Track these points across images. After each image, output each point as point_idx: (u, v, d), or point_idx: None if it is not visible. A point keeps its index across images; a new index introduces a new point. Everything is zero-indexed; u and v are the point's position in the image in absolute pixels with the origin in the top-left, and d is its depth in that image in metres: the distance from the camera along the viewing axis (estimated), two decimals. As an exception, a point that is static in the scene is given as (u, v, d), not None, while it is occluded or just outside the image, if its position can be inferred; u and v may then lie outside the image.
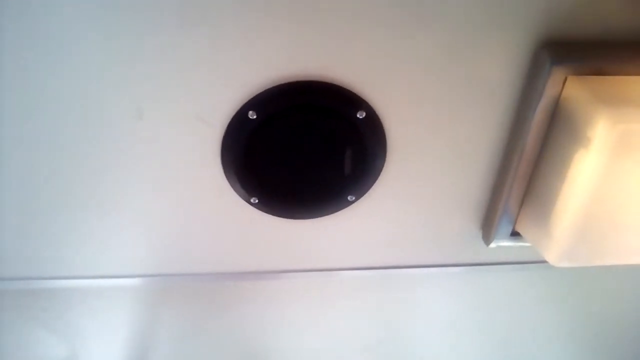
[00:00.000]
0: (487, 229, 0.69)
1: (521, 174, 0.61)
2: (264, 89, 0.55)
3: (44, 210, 0.64)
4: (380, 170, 0.63)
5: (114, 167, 0.60)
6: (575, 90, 0.53)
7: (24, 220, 0.65)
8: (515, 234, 0.68)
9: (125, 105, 0.55)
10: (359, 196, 0.65)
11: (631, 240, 0.58)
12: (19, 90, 0.53)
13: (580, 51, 0.53)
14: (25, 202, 0.63)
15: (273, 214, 0.66)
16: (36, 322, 0.83)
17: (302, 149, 0.60)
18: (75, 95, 0.54)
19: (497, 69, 0.56)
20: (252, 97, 0.55)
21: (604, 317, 0.96)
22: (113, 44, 0.51)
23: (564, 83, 0.54)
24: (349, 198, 0.65)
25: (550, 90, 0.54)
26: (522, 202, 0.64)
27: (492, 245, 0.69)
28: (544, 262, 0.60)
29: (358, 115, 0.57)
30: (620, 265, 0.61)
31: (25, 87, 0.53)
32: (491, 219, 0.68)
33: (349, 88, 0.56)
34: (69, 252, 0.69)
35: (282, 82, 0.55)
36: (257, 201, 0.64)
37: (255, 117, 0.56)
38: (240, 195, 0.64)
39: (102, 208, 0.64)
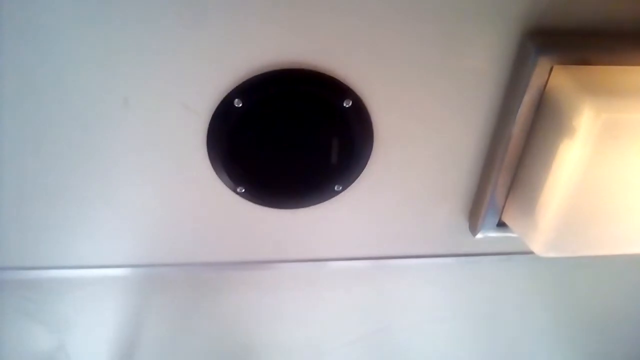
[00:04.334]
0: (474, 219, 0.69)
1: (507, 164, 0.61)
2: (249, 77, 0.55)
3: (29, 201, 0.63)
4: (367, 160, 0.63)
5: (100, 156, 0.60)
6: (561, 79, 0.53)
7: (10, 211, 0.64)
8: (502, 225, 0.68)
9: (110, 94, 0.55)
10: (346, 186, 0.65)
11: (617, 230, 0.59)
12: (5, 80, 0.53)
13: (566, 41, 0.53)
14: (9, 193, 0.62)
15: (260, 204, 0.66)
16: (22, 313, 0.82)
17: (288, 137, 0.60)
18: (60, 84, 0.54)
19: (483, 58, 0.56)
20: (237, 84, 0.55)
21: (590, 307, 0.97)
22: (97, 31, 0.50)
23: (549, 73, 0.54)
24: (335, 188, 0.65)
25: (536, 80, 0.54)
26: (509, 192, 0.64)
27: (479, 235, 0.69)
28: (531, 252, 0.61)
29: (344, 104, 0.57)
30: (606, 256, 0.61)
31: (9, 76, 0.52)
32: (478, 209, 0.68)
33: (335, 76, 0.56)
34: (54, 242, 0.68)
35: (268, 69, 0.54)
36: (243, 190, 0.64)
37: (240, 105, 0.56)
38: (226, 185, 0.63)
39: (88, 198, 0.64)
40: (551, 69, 0.54)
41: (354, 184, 0.65)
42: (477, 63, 0.56)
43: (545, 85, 0.55)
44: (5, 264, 0.71)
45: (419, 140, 0.62)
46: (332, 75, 0.55)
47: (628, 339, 1.06)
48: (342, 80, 0.56)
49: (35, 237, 0.68)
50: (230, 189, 0.64)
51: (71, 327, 0.86)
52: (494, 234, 0.69)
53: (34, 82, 0.53)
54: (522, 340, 1.03)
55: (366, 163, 0.63)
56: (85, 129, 0.57)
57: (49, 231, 0.67)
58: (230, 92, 0.55)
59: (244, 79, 0.55)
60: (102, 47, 0.51)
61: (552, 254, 0.59)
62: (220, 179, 0.63)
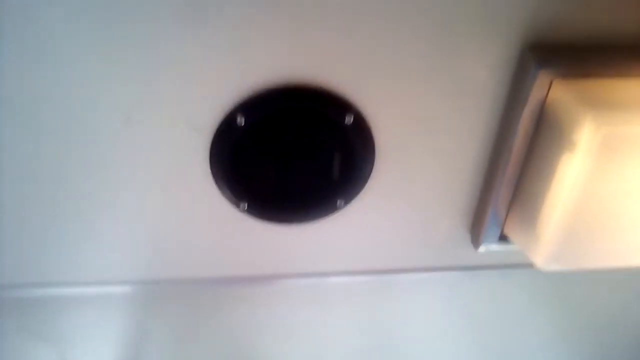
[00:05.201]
0: (476, 233, 0.69)
1: (508, 177, 0.61)
2: (252, 94, 0.55)
3: (29, 217, 0.63)
4: (369, 175, 0.63)
5: (102, 173, 0.60)
6: (561, 93, 0.53)
7: (9, 227, 0.64)
8: (504, 238, 0.68)
9: (112, 110, 0.55)
10: (348, 201, 0.65)
11: (619, 243, 0.59)
12: (7, 92, 0.53)
13: (566, 54, 0.54)
14: (8, 210, 0.62)
15: (262, 220, 0.66)
16: (24, 331, 0.82)
17: (290, 154, 0.60)
18: (63, 99, 0.54)
19: (483, 72, 0.56)
20: (240, 102, 0.55)
21: (594, 321, 0.96)
22: (101, 47, 0.51)
23: (549, 86, 0.54)
24: (338, 203, 0.65)
25: (536, 93, 0.54)
26: (510, 205, 0.64)
27: (481, 249, 0.69)
28: (533, 265, 0.60)
29: (346, 120, 0.57)
30: (609, 269, 0.61)
31: (11, 89, 0.53)
32: (479, 223, 0.68)
33: (336, 93, 0.56)
34: (55, 259, 0.68)
35: (270, 87, 0.55)
36: (246, 207, 0.64)
37: (243, 122, 0.56)
38: (229, 201, 0.63)
39: (89, 214, 0.64)
40: (551, 83, 0.54)
41: (356, 199, 0.65)
42: (477, 77, 0.56)
43: (545, 99, 0.55)
44: (4, 281, 0.70)
45: (420, 155, 0.62)
46: (333, 91, 0.56)
47: (631, 353, 1.05)
48: (343, 97, 0.56)
49: (35, 254, 0.67)
50: (233, 205, 0.64)
51: (72, 345, 0.86)
52: (496, 247, 0.69)
53: (34, 97, 0.53)
54: (524, 353, 1.02)
55: (368, 178, 0.63)
56: (86, 145, 0.57)
57: (49, 248, 0.67)
58: (233, 109, 0.56)
59: (247, 96, 0.55)
60: (105, 64, 0.52)
61: (554, 267, 0.59)
62: (223, 195, 0.63)
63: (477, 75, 0.56)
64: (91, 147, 0.58)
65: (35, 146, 0.57)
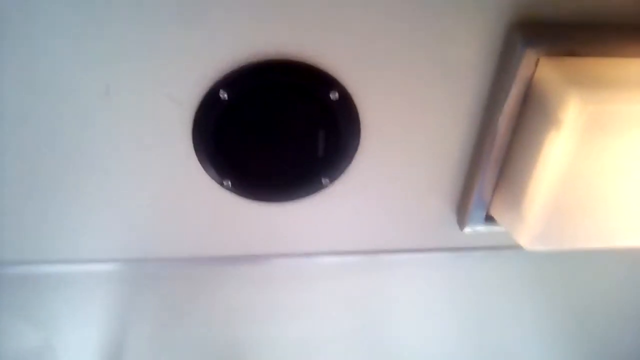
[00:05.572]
0: (462, 213, 0.69)
1: (494, 157, 0.61)
2: (235, 68, 0.54)
3: (12, 194, 0.63)
4: (354, 153, 0.63)
5: (82, 148, 0.59)
6: (547, 71, 0.53)
7: None
8: (490, 219, 0.68)
9: (93, 84, 0.54)
10: (333, 179, 0.65)
11: (604, 223, 0.59)
12: None
13: (552, 32, 0.53)
14: None
15: (246, 197, 0.66)
16: (8, 310, 0.82)
17: (274, 130, 0.59)
18: (42, 72, 0.53)
19: (469, 50, 0.56)
20: (223, 76, 0.55)
21: (579, 302, 0.97)
22: (82, 20, 0.50)
23: (536, 65, 0.54)
24: (323, 181, 0.64)
25: (522, 72, 0.54)
26: (496, 185, 0.64)
27: (467, 229, 0.69)
28: (519, 246, 0.60)
29: (331, 96, 0.57)
30: (595, 249, 0.61)
31: None
32: (465, 203, 0.68)
33: (322, 68, 0.55)
34: (38, 237, 0.68)
35: (254, 61, 0.54)
36: (230, 184, 0.63)
37: (226, 96, 0.55)
38: (212, 178, 0.63)
39: (70, 191, 0.63)
40: (537, 61, 0.53)
41: (341, 178, 0.65)
42: (464, 55, 0.56)
43: (531, 77, 0.55)
44: None
45: (406, 134, 0.62)
46: (318, 67, 0.55)
47: (618, 333, 1.06)
48: (328, 72, 0.56)
49: (20, 232, 0.67)
50: (217, 182, 0.63)
51: (58, 323, 0.86)
52: (482, 228, 0.69)
53: (12, 70, 0.52)
54: (511, 333, 1.03)
55: (353, 156, 0.63)
56: (65, 120, 0.57)
57: (33, 226, 0.66)
58: (216, 83, 0.55)
59: (230, 70, 0.54)
60: (87, 36, 0.51)
61: (539, 248, 0.59)
62: (207, 172, 0.62)
63: (464, 53, 0.56)
64: (69, 122, 0.57)
65: (12, 120, 0.56)
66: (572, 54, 0.53)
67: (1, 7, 0.48)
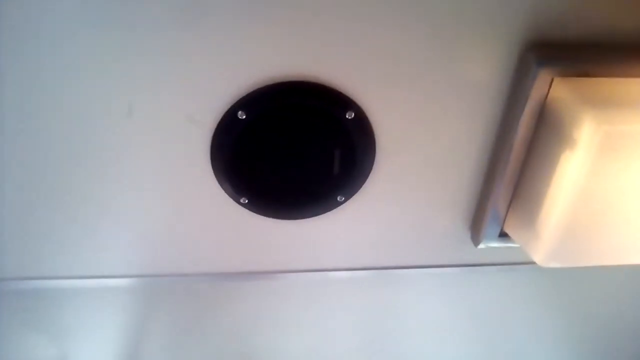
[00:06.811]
0: (476, 229, 0.69)
1: (509, 174, 0.61)
2: (253, 89, 0.55)
3: (32, 211, 0.64)
4: (370, 170, 0.63)
5: (103, 166, 0.60)
6: (562, 91, 0.53)
7: (10, 220, 0.64)
8: (504, 235, 0.68)
9: (115, 104, 0.55)
10: (348, 197, 0.65)
11: (618, 240, 0.59)
12: (10, 86, 0.53)
13: (566, 53, 0.54)
14: (10, 203, 0.63)
15: (263, 215, 0.67)
16: (25, 324, 0.82)
17: (291, 149, 0.60)
18: (66, 92, 0.54)
19: (484, 70, 0.56)
20: (241, 97, 0.56)
21: (593, 318, 0.96)
22: (106, 40, 0.51)
23: (550, 85, 0.54)
24: (338, 198, 0.65)
25: (536, 92, 0.55)
26: (510, 203, 0.64)
27: (481, 246, 0.69)
28: (533, 263, 0.61)
29: (347, 116, 0.58)
30: (608, 266, 0.61)
31: (16, 82, 0.53)
32: (480, 220, 0.68)
33: (338, 89, 0.56)
34: (56, 252, 0.68)
35: (272, 82, 0.55)
36: (246, 201, 0.64)
37: (244, 117, 0.56)
38: (230, 196, 0.64)
39: (91, 208, 0.64)
40: (551, 81, 0.54)
41: (356, 195, 0.65)
42: (479, 75, 0.57)
43: (545, 97, 0.55)
44: (6, 274, 0.71)
45: (421, 151, 0.63)
46: (334, 87, 0.56)
47: (631, 348, 1.06)
48: (345, 93, 0.57)
49: (37, 247, 0.68)
50: (234, 199, 0.64)
51: (73, 338, 0.86)
52: (496, 245, 0.69)
53: (36, 88, 0.54)
54: (524, 350, 1.03)
55: (369, 174, 0.64)
56: (87, 137, 0.58)
57: (50, 241, 0.67)
58: (234, 104, 0.56)
59: (248, 92, 0.55)
60: (108, 56, 0.52)
61: (553, 264, 0.59)
62: (224, 189, 0.63)
63: (478, 73, 0.56)
64: (93, 140, 0.58)
65: (34, 138, 0.57)
66: (585, 74, 0.54)
67: (28, 29, 0.50)
